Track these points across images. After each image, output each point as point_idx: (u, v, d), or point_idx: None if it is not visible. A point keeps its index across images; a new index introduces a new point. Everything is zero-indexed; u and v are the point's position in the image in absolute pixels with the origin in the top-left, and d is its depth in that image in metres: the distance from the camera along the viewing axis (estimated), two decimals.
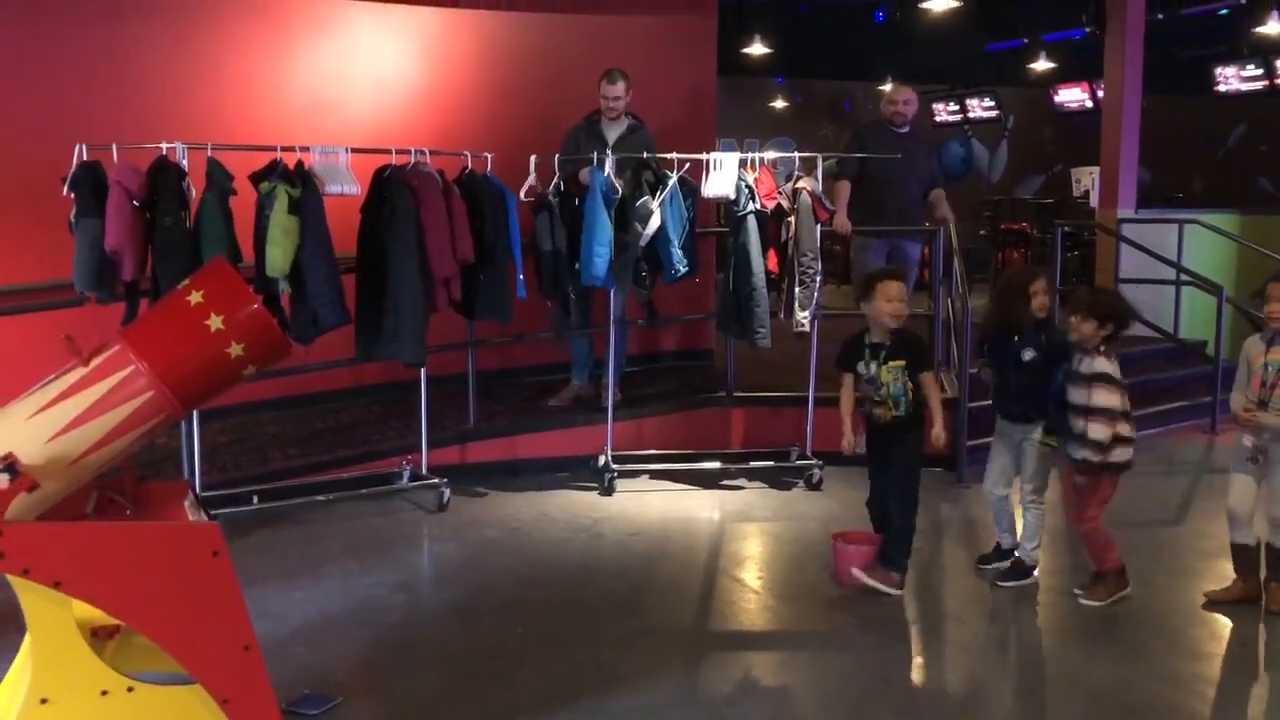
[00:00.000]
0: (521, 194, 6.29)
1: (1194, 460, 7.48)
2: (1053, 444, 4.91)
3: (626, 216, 6.23)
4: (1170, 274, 8.99)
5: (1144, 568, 5.06)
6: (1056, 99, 15.57)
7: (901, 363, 4.81)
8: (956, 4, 10.46)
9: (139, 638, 3.10)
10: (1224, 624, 4.63)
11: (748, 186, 6.36)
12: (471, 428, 6.79)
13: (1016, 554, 5.06)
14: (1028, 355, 4.87)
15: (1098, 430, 4.63)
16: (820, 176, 6.67)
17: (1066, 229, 9.63)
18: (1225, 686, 4.12)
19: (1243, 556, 4.76)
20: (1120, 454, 4.70)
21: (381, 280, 5.79)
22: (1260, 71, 12.68)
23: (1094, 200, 12.51)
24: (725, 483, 6.66)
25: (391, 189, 5.78)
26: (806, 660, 4.31)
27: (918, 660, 4.36)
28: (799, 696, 4.03)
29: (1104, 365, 4.67)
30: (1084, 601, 4.74)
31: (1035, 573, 5.02)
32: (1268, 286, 4.60)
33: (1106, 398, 4.65)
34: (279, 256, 5.42)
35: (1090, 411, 4.66)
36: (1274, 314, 4.58)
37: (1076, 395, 4.72)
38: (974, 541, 5.67)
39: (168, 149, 5.41)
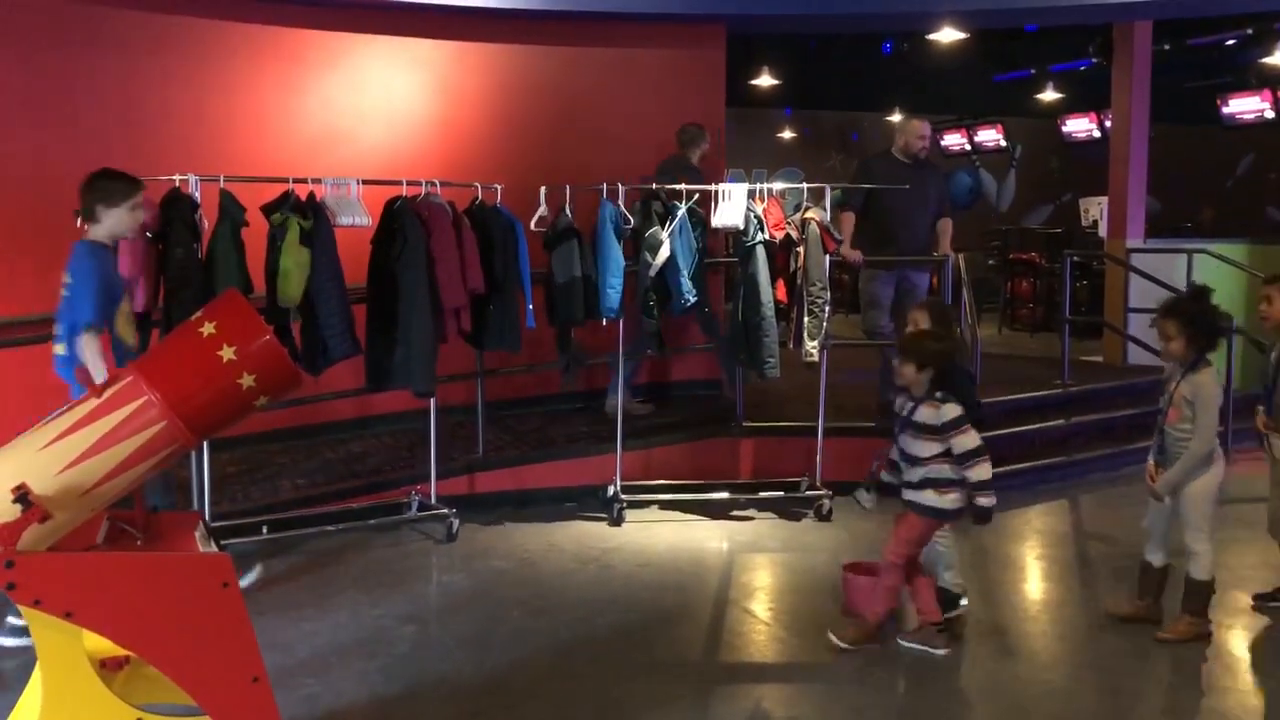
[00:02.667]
0: (532, 224, 6.32)
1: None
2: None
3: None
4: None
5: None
6: (1064, 129, 15.61)
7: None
8: (963, 36, 10.50)
9: (149, 669, 3.10)
10: (1238, 659, 4.59)
11: (756, 217, 6.38)
12: (480, 458, 6.80)
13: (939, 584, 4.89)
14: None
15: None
16: (828, 207, 6.70)
17: (1075, 259, 9.60)
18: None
19: (1148, 576, 4.84)
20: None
21: (392, 311, 5.81)
22: (1267, 104, 12.70)
23: (1103, 230, 12.54)
24: (734, 513, 6.65)
25: (402, 220, 5.81)
26: (816, 693, 4.29)
27: (928, 692, 4.33)
28: None
29: (952, 410, 4.46)
30: (833, 638, 4.57)
31: (963, 601, 4.88)
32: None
33: (968, 439, 4.45)
34: (290, 287, 5.45)
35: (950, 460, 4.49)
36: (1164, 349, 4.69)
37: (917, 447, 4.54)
38: (981, 574, 5.64)
39: (180, 180, 5.45)
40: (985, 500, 4.47)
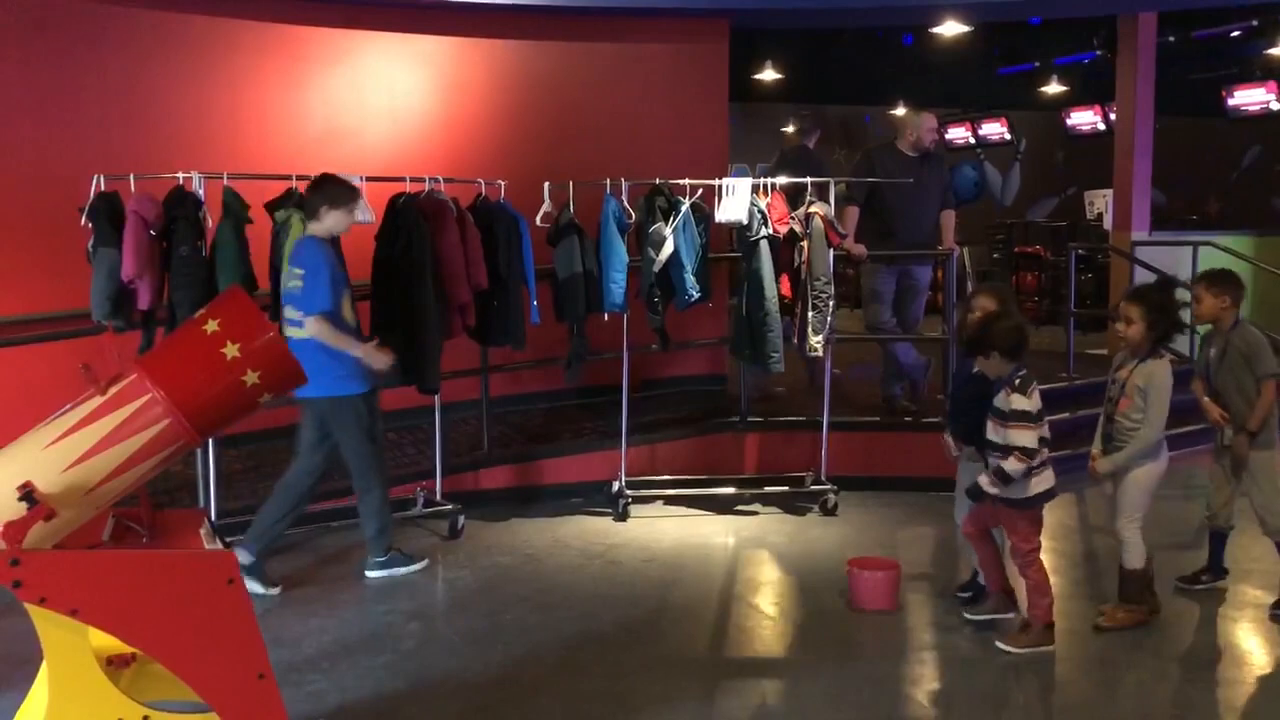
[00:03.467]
0: (538, 220, 6.32)
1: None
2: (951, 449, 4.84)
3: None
4: (1185, 296, 8.93)
5: (1161, 592, 5.02)
6: (1069, 122, 15.57)
7: None
8: (968, 29, 10.48)
9: (155, 666, 3.11)
10: (1246, 650, 4.59)
11: (760, 211, 6.37)
12: (485, 454, 6.80)
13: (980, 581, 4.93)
14: (974, 370, 4.67)
15: (1013, 466, 4.38)
16: (833, 201, 6.69)
17: (1080, 252, 9.59)
18: (1247, 716, 4.08)
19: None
20: (1019, 489, 4.45)
21: (396, 307, 5.81)
22: (1272, 95, 12.66)
23: (1108, 223, 12.49)
24: (739, 508, 6.64)
25: (406, 217, 5.81)
26: (823, 687, 4.28)
27: (935, 687, 4.33)
28: None
29: (1021, 403, 4.39)
30: (1000, 645, 4.52)
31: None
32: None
33: (1022, 436, 4.37)
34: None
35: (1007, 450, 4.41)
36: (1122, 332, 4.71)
37: (992, 432, 4.48)
38: None
39: (184, 179, 5.46)
40: (987, 481, 4.41)
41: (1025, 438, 4.35)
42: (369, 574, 5.42)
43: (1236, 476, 4.98)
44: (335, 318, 5.01)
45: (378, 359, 5.08)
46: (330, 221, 5.11)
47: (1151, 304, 4.66)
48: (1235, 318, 4.99)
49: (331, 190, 5.12)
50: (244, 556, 5.00)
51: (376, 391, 5.32)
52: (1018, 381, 4.41)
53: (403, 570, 5.45)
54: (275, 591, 5.16)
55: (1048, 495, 4.52)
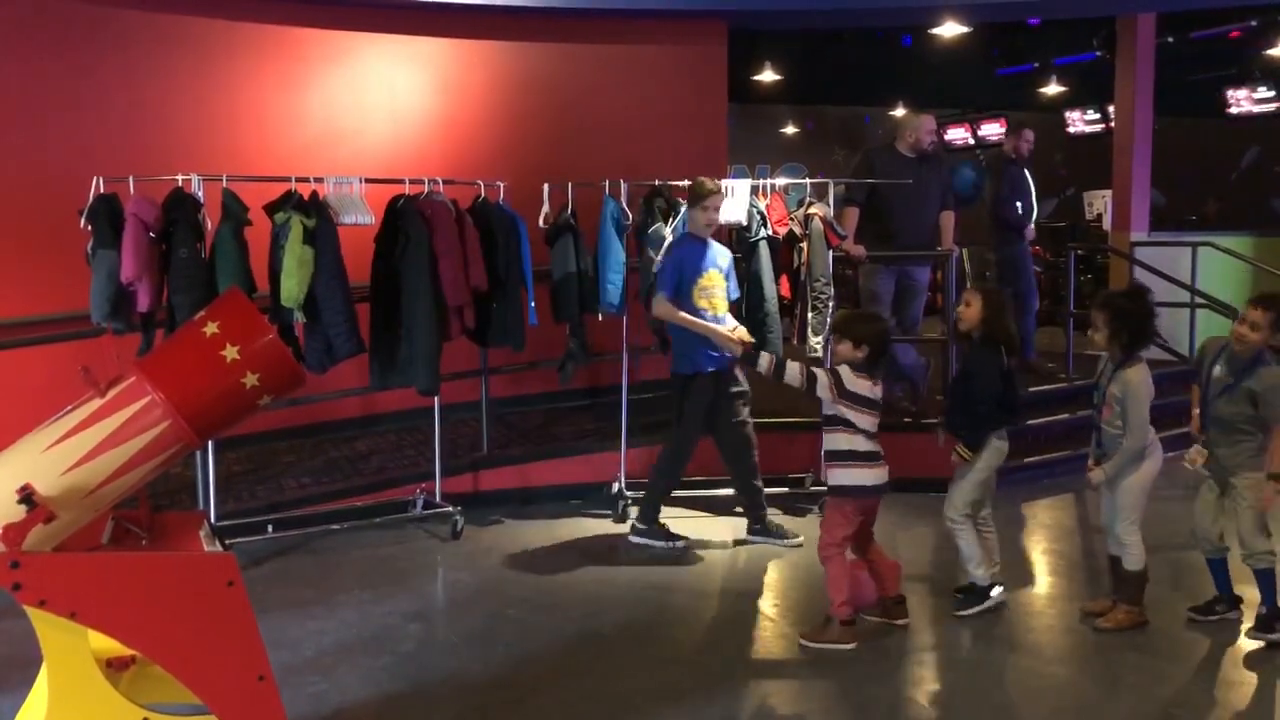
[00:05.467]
0: (539, 223, 6.32)
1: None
2: (965, 455, 4.88)
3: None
4: (1184, 297, 8.95)
5: (1161, 593, 5.02)
6: (1068, 122, 15.58)
7: None
8: (967, 30, 10.49)
9: (154, 668, 3.11)
10: (1243, 649, 4.59)
11: (759, 213, 6.38)
12: (485, 456, 6.80)
13: (970, 579, 4.97)
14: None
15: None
16: (832, 202, 6.68)
17: (1079, 253, 9.59)
18: (1246, 716, 4.08)
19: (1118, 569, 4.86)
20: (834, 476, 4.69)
21: (395, 309, 5.81)
22: (1272, 93, 12.66)
23: (1107, 223, 12.50)
24: (739, 510, 6.63)
25: (405, 218, 5.81)
26: (822, 688, 4.29)
27: (934, 688, 4.33)
28: None
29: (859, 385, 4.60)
30: (801, 639, 4.58)
31: (994, 594, 4.93)
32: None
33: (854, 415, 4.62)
34: (294, 287, 5.45)
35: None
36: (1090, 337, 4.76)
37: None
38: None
39: (183, 180, 5.46)
40: None
41: (858, 418, 4.59)
42: (630, 536, 5.99)
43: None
44: (668, 299, 5.64)
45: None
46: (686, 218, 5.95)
47: (1116, 310, 4.66)
48: (1260, 354, 4.59)
49: (690, 189, 5.85)
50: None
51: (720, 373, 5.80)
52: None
53: (658, 544, 5.87)
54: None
55: (860, 490, 4.58)
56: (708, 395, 5.80)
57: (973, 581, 4.95)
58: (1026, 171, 8.82)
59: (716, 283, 5.78)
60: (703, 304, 5.69)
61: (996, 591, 4.94)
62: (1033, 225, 8.98)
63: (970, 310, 4.88)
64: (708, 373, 5.76)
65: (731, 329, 5.65)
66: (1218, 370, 4.65)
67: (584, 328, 6.47)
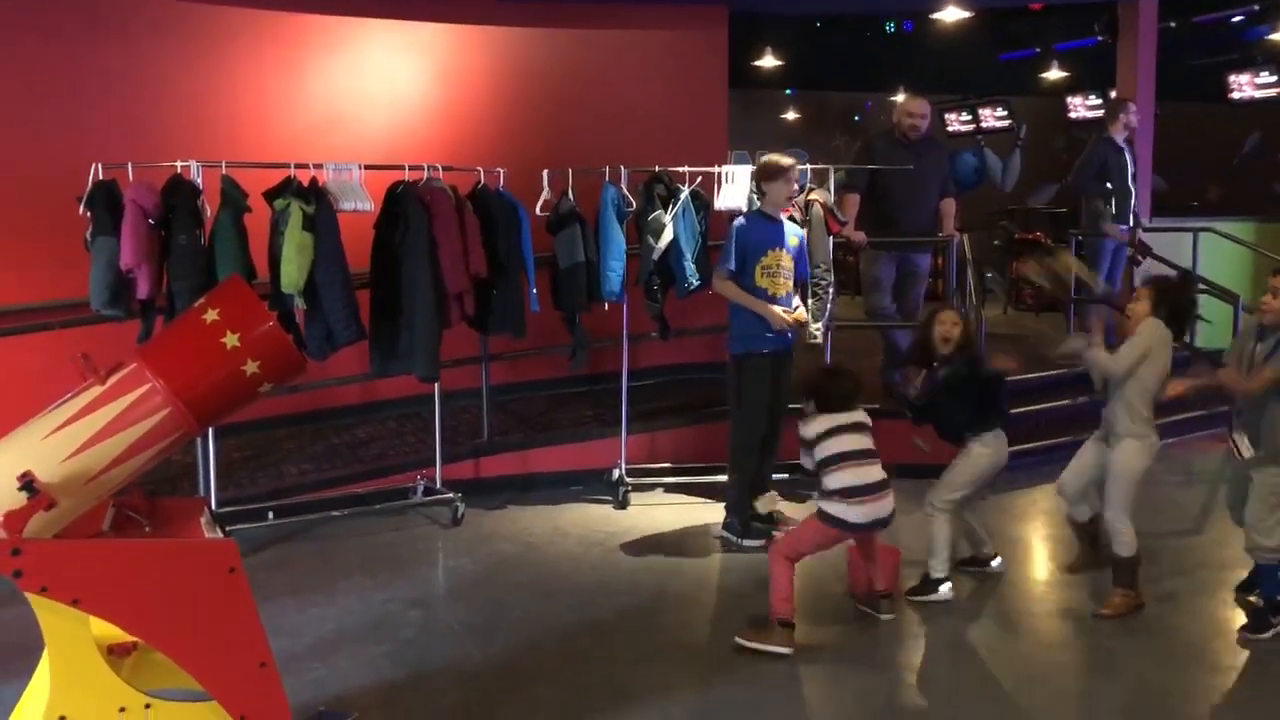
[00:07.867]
0: (537, 209, 6.31)
1: (1212, 470, 7.43)
2: (924, 449, 5.15)
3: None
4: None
5: (1163, 578, 5.03)
6: (1070, 107, 15.52)
7: None
8: (968, 15, 10.45)
9: (156, 655, 3.11)
10: (1237, 623, 4.60)
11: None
12: (485, 442, 6.81)
13: (927, 569, 5.02)
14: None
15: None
16: (833, 188, 6.67)
17: (1081, 238, 9.56)
18: (1244, 702, 4.09)
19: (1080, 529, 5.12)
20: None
21: (395, 296, 5.81)
22: (1274, 78, 12.61)
23: None
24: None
25: (405, 205, 5.80)
26: (822, 674, 4.30)
27: (931, 674, 4.34)
28: (815, 711, 4.01)
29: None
30: (737, 638, 4.46)
31: (942, 589, 4.95)
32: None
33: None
34: (294, 273, 5.44)
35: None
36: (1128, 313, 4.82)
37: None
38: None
39: (182, 167, 5.44)
40: None
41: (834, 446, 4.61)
42: (721, 530, 5.92)
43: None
44: (730, 276, 5.63)
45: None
46: (772, 195, 5.73)
47: (1163, 287, 4.80)
48: None
49: (765, 167, 5.71)
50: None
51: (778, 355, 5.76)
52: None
53: (748, 543, 5.73)
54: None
55: (843, 524, 4.54)
56: (765, 376, 5.70)
57: (927, 572, 5.00)
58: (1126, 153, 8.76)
59: (782, 262, 5.69)
60: (763, 283, 5.63)
61: (945, 588, 4.98)
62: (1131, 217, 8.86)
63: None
64: (763, 354, 5.68)
65: (791, 310, 5.65)
66: (1258, 348, 4.70)
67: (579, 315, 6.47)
